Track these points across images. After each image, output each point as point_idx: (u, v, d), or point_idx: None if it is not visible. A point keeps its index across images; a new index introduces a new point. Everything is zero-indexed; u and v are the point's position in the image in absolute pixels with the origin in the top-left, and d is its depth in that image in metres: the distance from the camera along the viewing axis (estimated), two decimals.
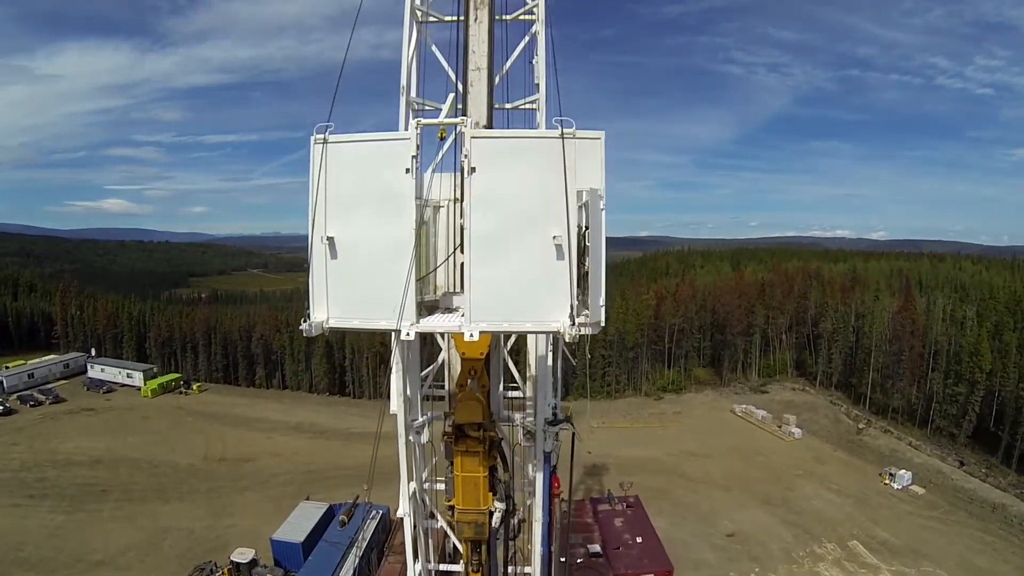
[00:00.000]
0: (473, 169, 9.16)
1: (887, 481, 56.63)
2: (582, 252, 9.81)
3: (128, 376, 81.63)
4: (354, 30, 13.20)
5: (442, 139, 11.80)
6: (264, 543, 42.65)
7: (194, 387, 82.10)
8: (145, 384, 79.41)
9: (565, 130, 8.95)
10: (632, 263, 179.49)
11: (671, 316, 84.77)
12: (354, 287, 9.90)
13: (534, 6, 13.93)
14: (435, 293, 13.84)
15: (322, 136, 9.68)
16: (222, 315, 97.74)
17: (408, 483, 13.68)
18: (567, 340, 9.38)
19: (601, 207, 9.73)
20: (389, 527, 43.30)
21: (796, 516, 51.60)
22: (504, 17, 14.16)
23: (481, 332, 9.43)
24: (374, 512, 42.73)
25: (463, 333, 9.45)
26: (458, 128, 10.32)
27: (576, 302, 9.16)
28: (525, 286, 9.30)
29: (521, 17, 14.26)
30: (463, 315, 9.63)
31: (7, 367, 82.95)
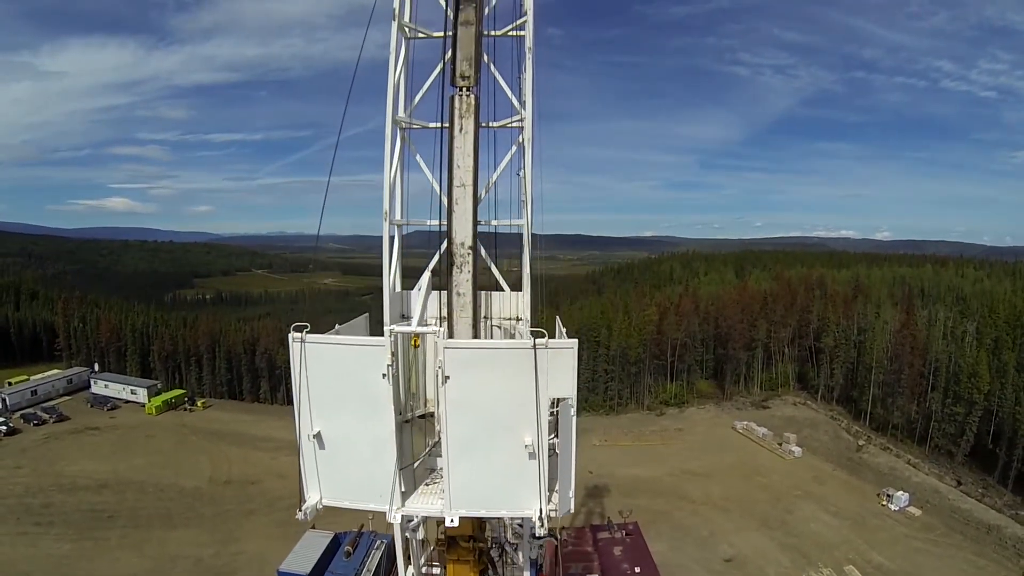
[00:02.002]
0: (447, 377, 9.64)
1: (884, 502, 57.12)
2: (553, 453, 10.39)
3: (132, 392, 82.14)
4: (364, 43, 13.44)
5: (416, 347, 11.95)
6: (270, 570, 42.97)
7: (199, 403, 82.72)
8: (149, 401, 79.97)
9: (538, 340, 9.36)
10: (636, 267, 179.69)
11: (673, 331, 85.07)
12: (343, 473, 10.57)
13: (521, 119, 13.58)
14: (425, 406, 14.37)
15: (300, 335, 10.15)
16: (225, 326, 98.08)
17: (405, 569, 14.30)
18: (538, 534, 9.97)
19: (572, 414, 10.29)
20: (395, 557, 43.81)
21: (794, 539, 52.11)
22: (491, 124, 14.06)
23: (460, 516, 10.16)
24: (379, 542, 43.25)
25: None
26: (435, 339, 10.58)
27: (546, 498, 9.83)
28: (500, 480, 10.07)
29: (510, 124, 14.32)
30: (443, 491, 10.34)
31: (9, 383, 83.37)
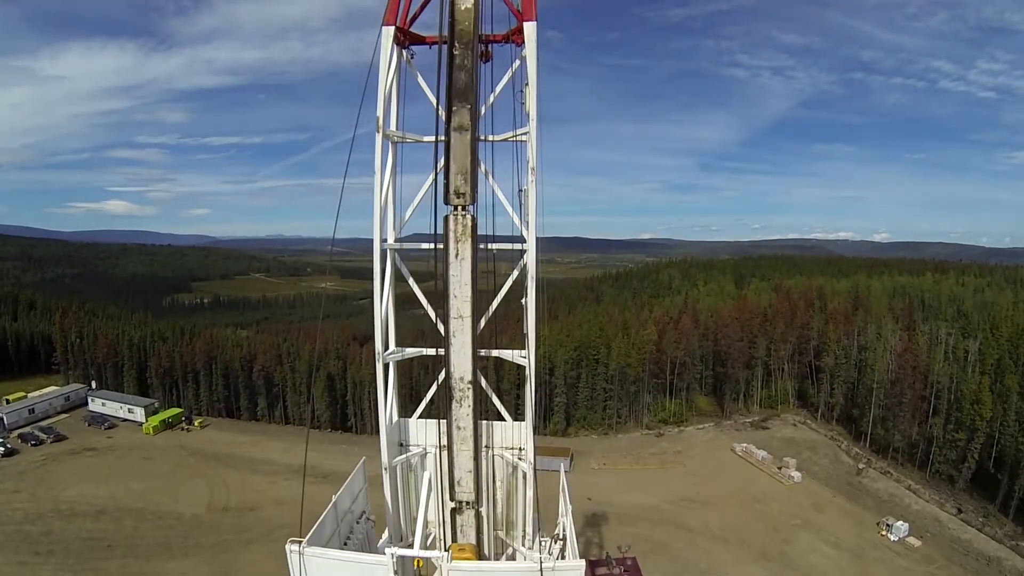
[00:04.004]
0: None
1: (884, 532, 56.79)
2: None
3: (129, 411, 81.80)
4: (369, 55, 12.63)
5: (419, 568, 11.63)
6: None
7: (196, 422, 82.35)
8: (147, 420, 79.63)
9: (545, 565, 9.20)
10: (634, 275, 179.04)
11: (673, 349, 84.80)
12: None
13: (525, 248, 12.84)
14: (427, 527, 14.09)
15: (297, 548, 9.97)
16: (222, 340, 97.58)
17: None
18: None
19: None
20: None
21: (792, 573, 51.85)
22: (491, 246, 13.21)
23: None
24: None
25: None
26: (441, 561, 10.28)
27: None
28: None
29: (513, 248, 13.30)
30: None
31: (7, 400, 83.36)
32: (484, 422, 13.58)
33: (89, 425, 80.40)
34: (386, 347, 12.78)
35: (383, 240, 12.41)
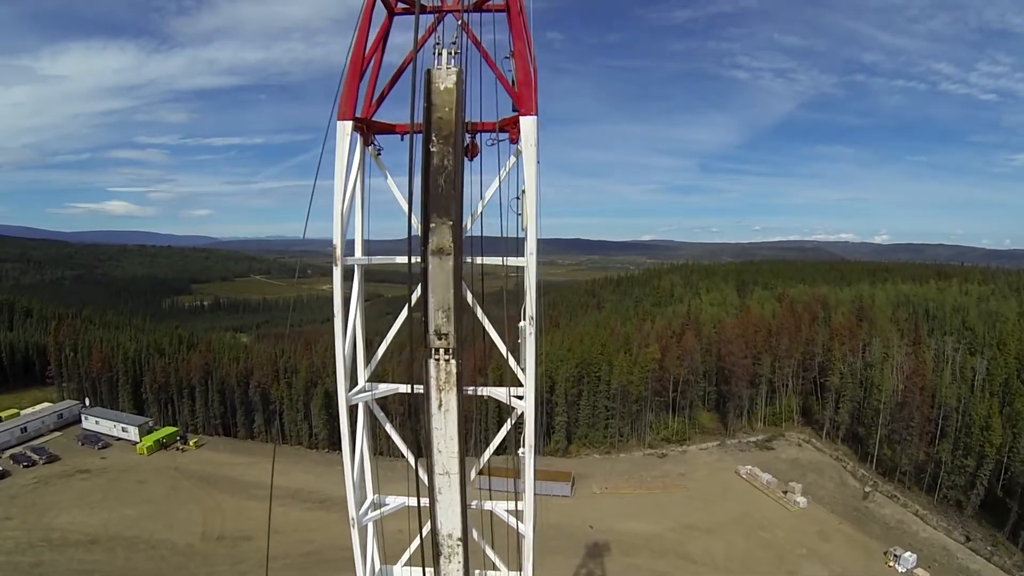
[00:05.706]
0: None
1: (891, 563, 55.55)
2: None
3: (123, 430, 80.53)
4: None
5: None
6: None
7: (191, 442, 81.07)
8: (141, 440, 78.39)
9: None
10: (636, 281, 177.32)
11: (675, 367, 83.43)
12: None
13: (521, 395, 11.08)
14: None
15: None
16: (219, 351, 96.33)
17: None
18: None
19: None
20: None
21: None
22: (480, 390, 11.51)
23: None
24: None
25: None
26: None
27: None
28: None
29: (510, 402, 11.24)
30: None
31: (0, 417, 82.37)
32: (476, 571, 12.24)
33: (82, 444, 79.14)
34: (362, 502, 11.32)
35: (351, 389, 10.75)
